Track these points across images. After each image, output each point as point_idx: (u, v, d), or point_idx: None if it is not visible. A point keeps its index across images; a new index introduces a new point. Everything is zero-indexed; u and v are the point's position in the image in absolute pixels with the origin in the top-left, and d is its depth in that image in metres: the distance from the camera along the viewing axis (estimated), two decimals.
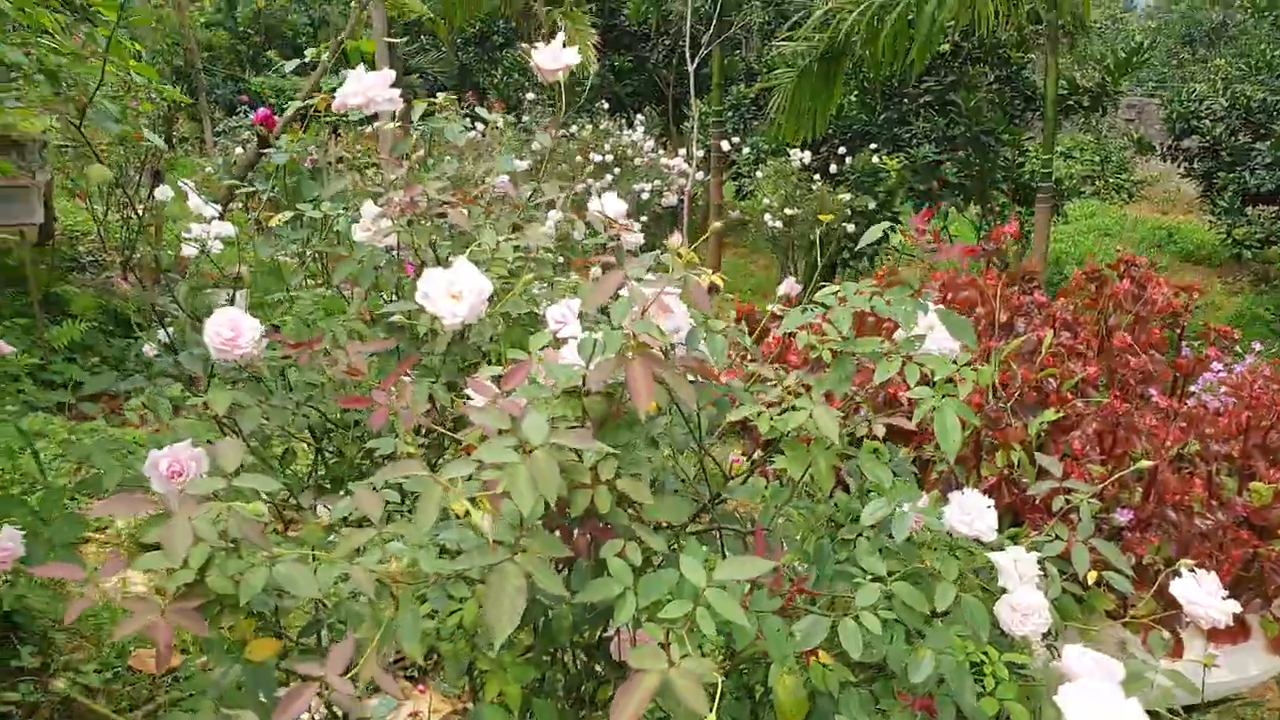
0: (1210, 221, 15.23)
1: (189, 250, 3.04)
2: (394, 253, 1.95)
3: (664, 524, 1.44)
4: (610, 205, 2.25)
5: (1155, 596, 1.97)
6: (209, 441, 1.43)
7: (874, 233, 1.51)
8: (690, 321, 1.46)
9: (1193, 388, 2.81)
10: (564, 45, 1.90)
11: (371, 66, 2.07)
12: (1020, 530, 2.25)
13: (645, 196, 9.77)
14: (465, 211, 1.71)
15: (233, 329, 1.52)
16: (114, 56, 2.66)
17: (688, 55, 9.15)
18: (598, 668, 1.64)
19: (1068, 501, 1.78)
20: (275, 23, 23.50)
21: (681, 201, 9.47)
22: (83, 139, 2.95)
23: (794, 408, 1.36)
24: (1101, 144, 16.81)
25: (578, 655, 1.66)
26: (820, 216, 10.08)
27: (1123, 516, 2.14)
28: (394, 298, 1.99)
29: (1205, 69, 26.89)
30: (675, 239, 1.51)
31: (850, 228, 10.61)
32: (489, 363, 1.75)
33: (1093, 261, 3.13)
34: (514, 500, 1.02)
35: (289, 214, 2.65)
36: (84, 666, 3.34)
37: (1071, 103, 12.21)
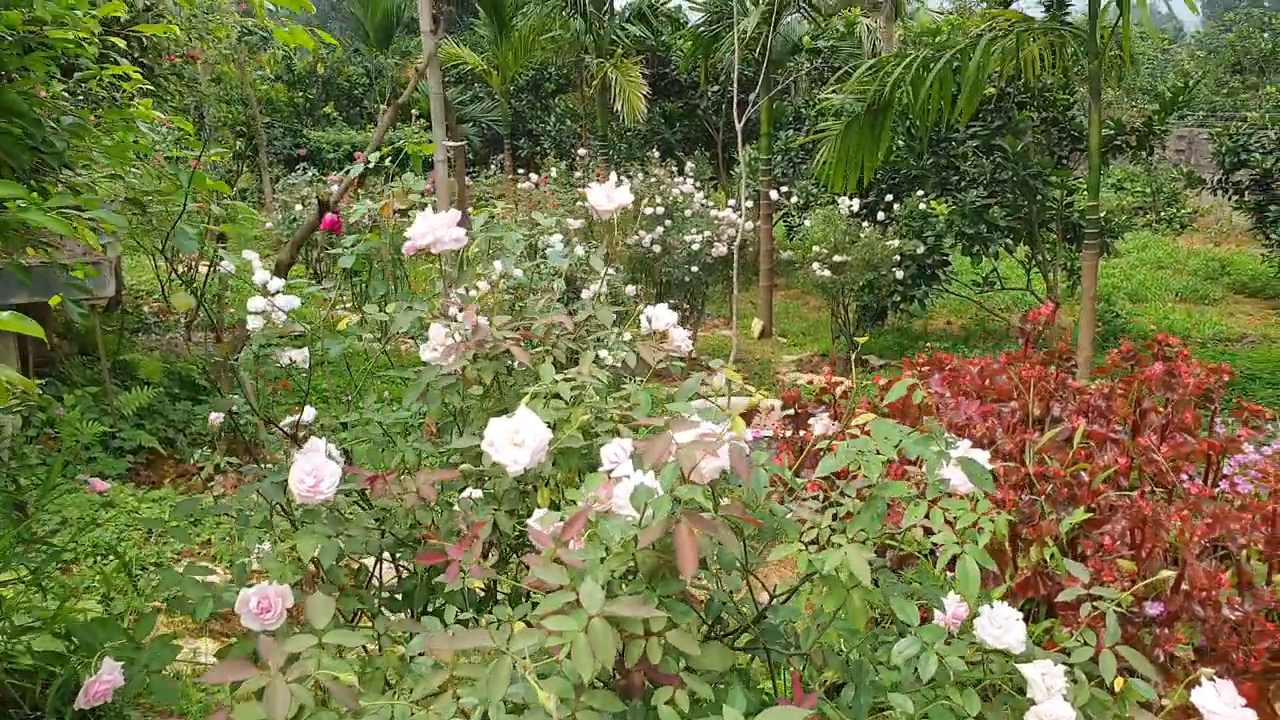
0: (1263, 254, 15.09)
1: (254, 323, 3.23)
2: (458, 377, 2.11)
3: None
4: (660, 317, 2.40)
5: (1187, 688, 2.06)
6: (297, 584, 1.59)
7: None
8: (730, 455, 1.60)
9: (1225, 469, 2.89)
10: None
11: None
12: (1054, 623, 2.36)
13: (696, 247, 9.92)
14: (524, 347, 1.87)
15: (315, 476, 1.68)
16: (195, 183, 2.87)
17: (735, 109, 9.33)
18: None
19: (1095, 608, 1.89)
20: (332, 74, 24.10)
21: (732, 252, 9.61)
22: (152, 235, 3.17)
23: (832, 543, 1.50)
24: (1152, 176, 16.74)
25: None
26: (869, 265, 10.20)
27: (1153, 609, 2.23)
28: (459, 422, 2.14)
29: (1256, 96, 26.64)
30: (719, 379, 1.66)
31: (899, 274, 10.69)
32: (546, 484, 1.89)
33: (1126, 341, 3.22)
34: (574, 664, 1.16)
35: (357, 317, 2.84)
36: None
37: (1119, 142, 12.22)
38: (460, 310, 2.08)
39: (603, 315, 2.13)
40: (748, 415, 7.73)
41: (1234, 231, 19.85)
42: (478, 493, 1.99)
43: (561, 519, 1.48)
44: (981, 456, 1.59)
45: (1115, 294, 14.77)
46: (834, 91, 10.14)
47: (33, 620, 2.67)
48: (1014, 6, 12.97)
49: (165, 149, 3.25)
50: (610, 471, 1.61)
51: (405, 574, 2.07)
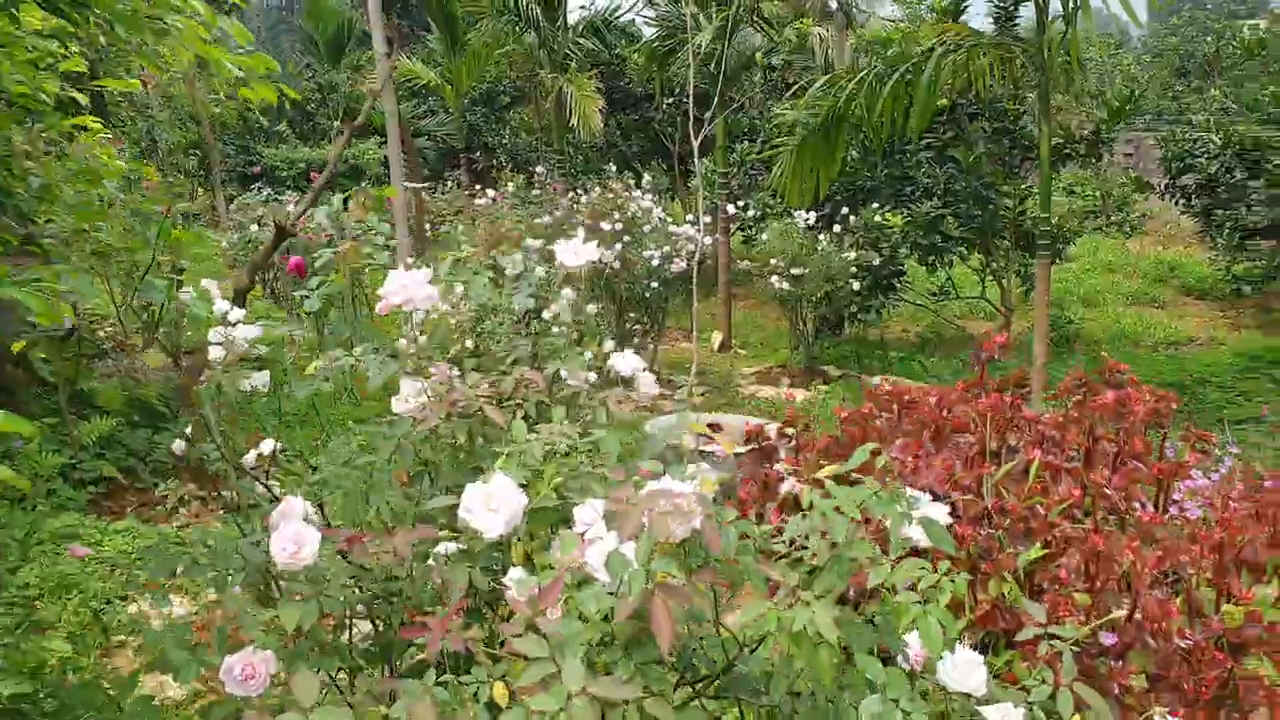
0: (1210, 258, 15.42)
1: (215, 353, 3.25)
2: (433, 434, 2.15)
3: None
4: (625, 364, 2.46)
5: None
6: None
7: None
8: (703, 512, 1.65)
9: (1175, 494, 2.99)
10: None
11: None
12: (1014, 655, 2.43)
13: (655, 262, 9.99)
14: (497, 404, 1.92)
15: (296, 543, 1.72)
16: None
17: (691, 126, 9.41)
18: None
19: (1052, 645, 1.96)
20: (283, 91, 23.93)
21: (691, 268, 9.69)
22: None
23: (799, 598, 1.56)
24: (1102, 180, 17.02)
25: None
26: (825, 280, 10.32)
27: (1108, 639, 2.32)
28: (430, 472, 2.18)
29: (1201, 99, 27.11)
30: (688, 440, 1.72)
31: (855, 285, 10.81)
32: (519, 540, 1.93)
33: (1079, 370, 3.32)
34: None
35: (322, 363, 2.87)
36: None
37: (1068, 150, 12.45)
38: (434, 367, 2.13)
39: (571, 366, 2.18)
40: (713, 427, 7.80)
41: (1182, 234, 20.23)
42: (453, 545, 2.03)
43: (538, 584, 1.53)
44: (940, 512, 1.66)
45: (1068, 299, 15.01)
46: (789, 107, 10.25)
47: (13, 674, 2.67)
48: (963, 16, 13.17)
49: (127, 194, 3.27)
50: (584, 534, 1.66)
51: (382, 626, 2.11)
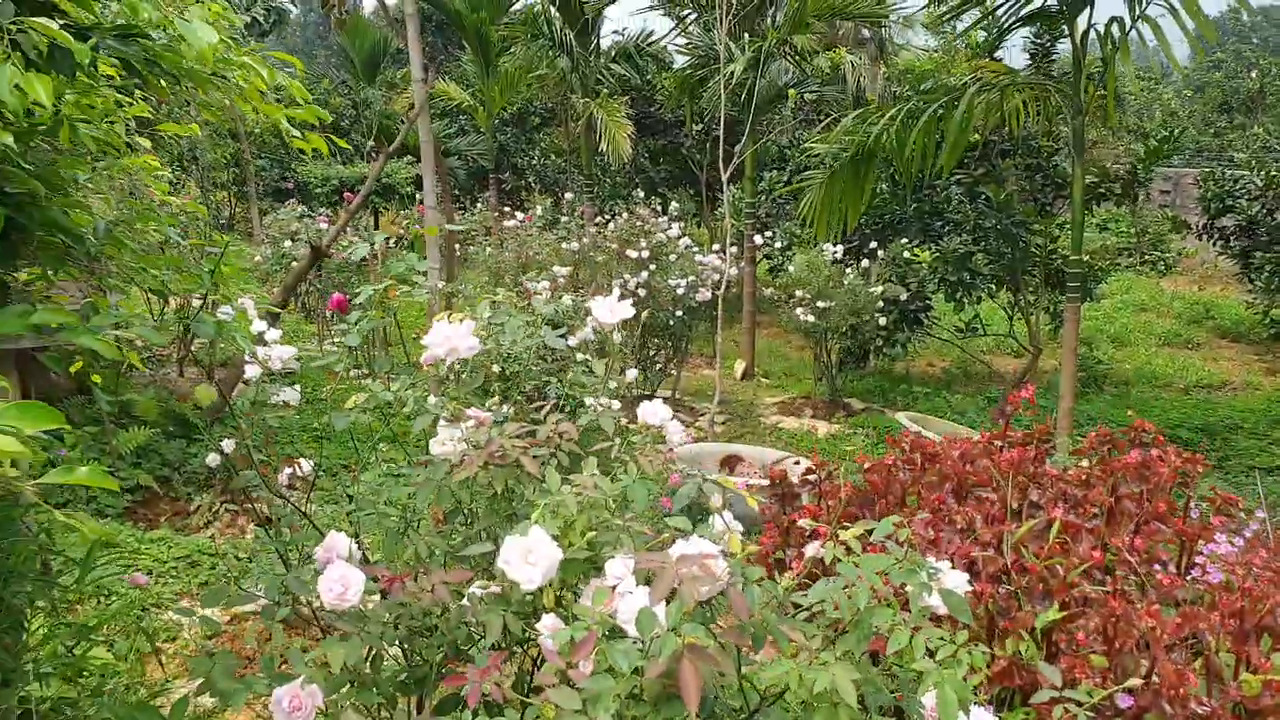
0: (1247, 302, 15.30)
1: (252, 371, 3.34)
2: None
3: None
4: (654, 414, 2.52)
5: None
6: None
7: None
8: (728, 572, 1.72)
9: (1199, 556, 3.01)
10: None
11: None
12: (1030, 713, 2.47)
13: (681, 291, 10.06)
14: (534, 456, 1.99)
15: (343, 584, 1.80)
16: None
17: (721, 161, 9.49)
18: None
19: (1066, 710, 2.01)
20: (318, 105, 24.21)
21: (717, 298, 9.76)
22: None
23: (822, 660, 1.61)
24: (1138, 218, 16.99)
25: None
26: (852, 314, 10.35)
27: (1124, 702, 2.35)
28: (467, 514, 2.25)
29: (1244, 136, 26.93)
30: (716, 499, 1.78)
31: (882, 320, 10.84)
32: (551, 585, 1.99)
33: (1104, 428, 3.35)
34: None
35: (363, 395, 2.95)
36: None
37: (1103, 190, 12.43)
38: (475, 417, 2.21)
39: (605, 423, 2.25)
40: (731, 463, 7.86)
41: (1219, 274, 20.11)
42: (489, 586, 2.09)
43: (571, 637, 1.59)
44: (960, 581, 1.71)
45: (1098, 338, 14.95)
46: (820, 139, 10.31)
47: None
48: (999, 50, 13.21)
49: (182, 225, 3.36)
50: (614, 586, 1.72)
51: (416, 660, 2.18)
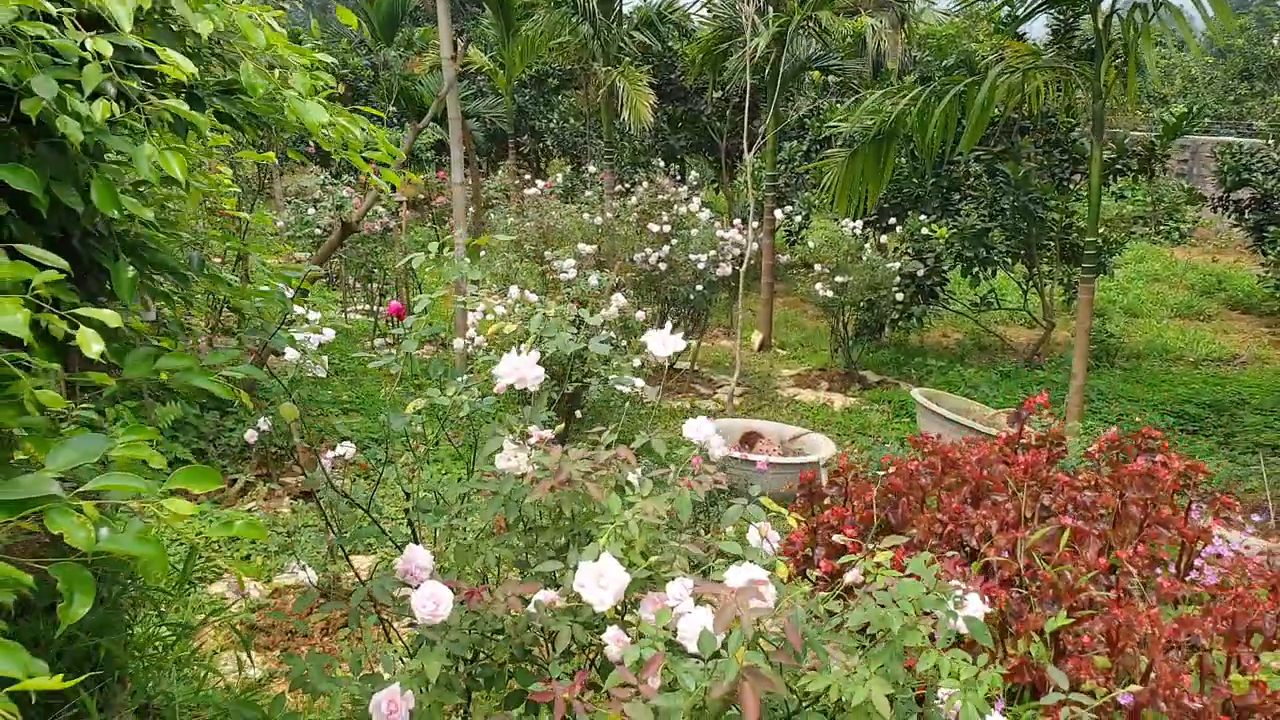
0: (1260, 274, 15.42)
1: (292, 354, 3.56)
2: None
3: None
4: (697, 432, 2.74)
5: None
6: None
7: None
8: (786, 628, 1.95)
9: (1198, 559, 3.25)
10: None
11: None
12: (1038, 709, 2.72)
13: (701, 266, 10.25)
14: (600, 484, 2.23)
15: (435, 602, 2.04)
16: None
17: (745, 138, 9.65)
18: None
19: (1072, 712, 2.25)
20: (336, 67, 24.20)
21: (737, 273, 9.96)
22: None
23: (860, 676, 1.86)
24: (1154, 186, 17.04)
25: None
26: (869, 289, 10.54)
27: (1124, 699, 2.60)
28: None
29: (1264, 105, 26.76)
30: (755, 535, 2.02)
31: (899, 295, 11.03)
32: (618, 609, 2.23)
33: (1114, 433, 3.58)
34: None
35: (421, 402, 3.18)
36: None
37: (1120, 166, 12.55)
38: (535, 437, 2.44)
39: (657, 445, 2.49)
40: (750, 439, 8.10)
41: (1232, 245, 20.18)
42: (551, 594, 2.33)
43: (640, 653, 1.83)
44: (980, 608, 1.95)
45: (1111, 309, 15.09)
46: (842, 119, 10.45)
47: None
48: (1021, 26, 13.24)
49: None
50: (674, 607, 1.96)
51: (486, 662, 2.43)
